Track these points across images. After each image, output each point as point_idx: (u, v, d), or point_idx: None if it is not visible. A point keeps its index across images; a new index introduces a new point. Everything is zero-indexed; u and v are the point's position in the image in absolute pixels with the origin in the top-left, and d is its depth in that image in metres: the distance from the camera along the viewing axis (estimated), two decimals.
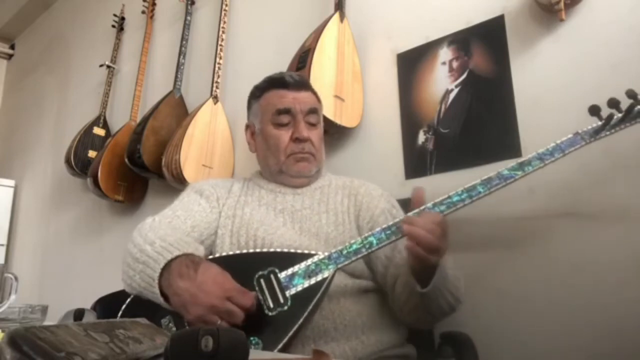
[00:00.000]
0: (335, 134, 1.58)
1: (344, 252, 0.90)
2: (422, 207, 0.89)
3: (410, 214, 0.89)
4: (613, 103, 0.93)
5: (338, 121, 1.49)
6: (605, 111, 0.94)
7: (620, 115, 0.94)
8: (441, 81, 1.43)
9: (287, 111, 1.13)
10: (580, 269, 1.10)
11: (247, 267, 0.91)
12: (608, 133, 0.95)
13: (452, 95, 1.40)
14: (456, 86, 1.40)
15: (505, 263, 1.21)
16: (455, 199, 0.88)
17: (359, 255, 0.90)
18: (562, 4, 1.16)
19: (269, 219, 1.08)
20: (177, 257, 0.88)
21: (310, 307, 0.85)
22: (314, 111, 1.16)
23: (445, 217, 0.87)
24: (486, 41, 1.36)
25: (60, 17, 3.57)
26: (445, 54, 1.44)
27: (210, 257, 0.98)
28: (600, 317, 1.06)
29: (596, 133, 0.95)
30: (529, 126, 1.24)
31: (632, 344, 1.00)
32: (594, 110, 0.94)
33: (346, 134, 1.60)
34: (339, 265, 0.90)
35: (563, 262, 1.13)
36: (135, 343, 0.52)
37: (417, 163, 1.44)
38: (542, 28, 1.26)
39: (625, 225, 1.07)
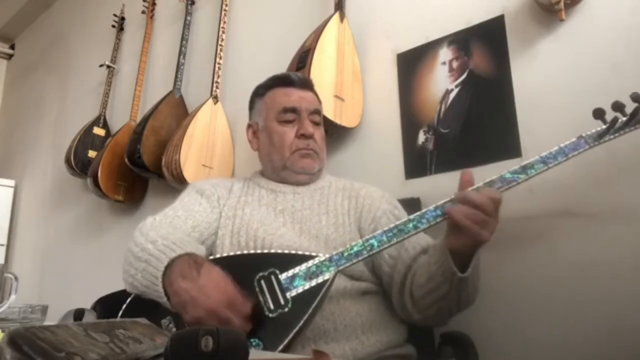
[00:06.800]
0: (335, 134, 1.57)
1: (345, 254, 0.90)
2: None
3: (472, 188, 0.86)
4: (617, 106, 0.90)
5: (338, 121, 1.49)
6: (610, 114, 0.92)
7: (624, 118, 0.92)
8: (441, 81, 1.43)
9: (293, 110, 1.15)
10: (580, 269, 1.10)
11: (247, 267, 0.91)
12: (612, 137, 0.93)
13: (452, 95, 1.40)
14: (456, 86, 1.40)
15: (505, 263, 1.20)
16: None
17: (360, 258, 0.89)
18: (562, 4, 1.16)
19: (269, 219, 1.08)
20: (180, 256, 0.88)
21: (311, 309, 0.85)
22: (317, 112, 1.19)
23: (501, 194, 0.85)
24: (486, 41, 1.36)
25: (60, 17, 3.57)
26: (445, 54, 1.44)
27: (212, 257, 0.97)
28: (601, 316, 1.06)
29: (600, 137, 0.93)
30: (529, 126, 1.23)
31: (633, 344, 1.00)
32: (598, 114, 0.92)
33: (346, 134, 1.60)
34: (340, 267, 0.89)
35: (563, 262, 1.13)
36: (135, 343, 0.52)
37: (417, 163, 1.44)
38: (542, 28, 1.26)
39: (626, 224, 1.07)
